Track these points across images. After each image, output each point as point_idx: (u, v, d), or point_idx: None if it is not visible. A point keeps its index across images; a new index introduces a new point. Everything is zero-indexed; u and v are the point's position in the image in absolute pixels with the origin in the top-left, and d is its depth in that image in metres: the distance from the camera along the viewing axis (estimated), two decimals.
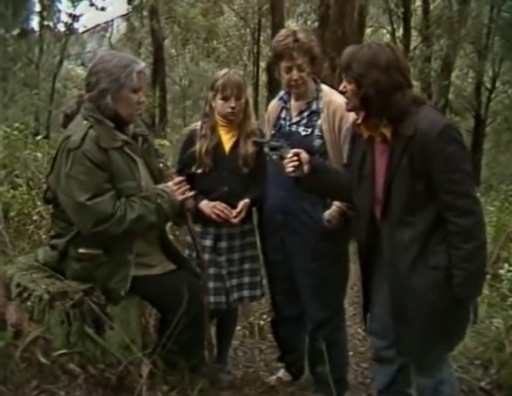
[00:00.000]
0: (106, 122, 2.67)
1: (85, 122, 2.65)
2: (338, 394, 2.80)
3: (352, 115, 2.63)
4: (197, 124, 3.31)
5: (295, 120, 3.12)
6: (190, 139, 3.26)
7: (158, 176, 2.93)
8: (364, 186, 2.53)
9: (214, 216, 3.15)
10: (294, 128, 3.11)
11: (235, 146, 3.23)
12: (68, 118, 2.81)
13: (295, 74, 3.02)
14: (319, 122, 3.05)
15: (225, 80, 3.15)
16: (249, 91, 19.34)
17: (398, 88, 2.33)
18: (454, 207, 2.26)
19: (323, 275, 3.09)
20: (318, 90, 3.12)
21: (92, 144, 2.59)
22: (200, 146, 3.17)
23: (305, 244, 3.07)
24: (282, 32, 3.08)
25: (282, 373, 3.52)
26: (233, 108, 3.16)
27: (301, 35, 2.99)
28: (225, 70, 3.27)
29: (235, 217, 3.15)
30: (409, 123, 2.32)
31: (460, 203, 2.26)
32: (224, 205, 3.15)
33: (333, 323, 3.23)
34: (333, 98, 3.04)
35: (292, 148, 2.75)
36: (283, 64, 3.03)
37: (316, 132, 3.05)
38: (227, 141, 3.24)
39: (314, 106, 3.08)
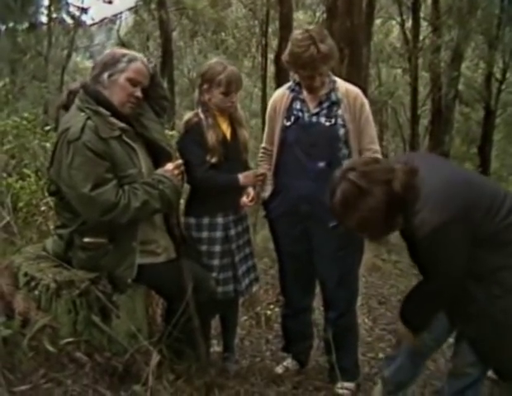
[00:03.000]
0: (101, 111, 2.68)
1: (82, 114, 2.66)
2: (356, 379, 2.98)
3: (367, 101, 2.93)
4: (195, 116, 3.20)
5: (314, 111, 3.14)
6: (197, 132, 3.16)
7: (164, 145, 2.92)
8: None
9: (259, 183, 3.25)
10: (315, 119, 3.13)
11: (234, 133, 3.24)
12: (72, 95, 2.80)
13: (317, 81, 3.07)
14: (339, 112, 3.12)
15: (229, 75, 3.12)
16: (258, 83, 19.35)
17: (388, 192, 2.24)
18: (431, 273, 2.39)
19: (348, 264, 3.19)
20: (332, 81, 3.17)
21: (92, 134, 2.60)
22: (211, 136, 3.12)
23: (332, 233, 3.07)
24: (300, 37, 3.03)
25: (289, 362, 3.53)
26: (233, 102, 3.17)
27: (321, 46, 2.98)
28: (220, 62, 3.20)
29: (251, 201, 3.20)
30: (410, 213, 2.26)
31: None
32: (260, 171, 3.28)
33: (353, 311, 3.35)
34: (349, 87, 3.17)
35: (316, 138, 2.90)
36: (305, 73, 3.07)
37: (339, 121, 3.11)
38: (226, 129, 3.23)
39: (333, 97, 3.13)
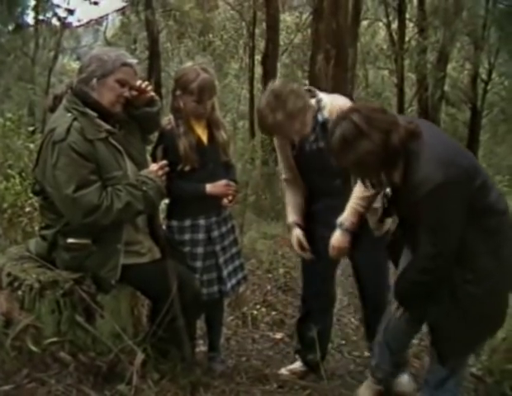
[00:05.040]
0: (88, 113, 2.68)
1: (69, 114, 2.66)
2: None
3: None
4: (168, 123, 3.18)
5: (312, 138, 3.11)
6: (170, 140, 3.13)
7: (142, 163, 2.91)
8: None
9: (229, 195, 3.19)
10: (315, 146, 3.12)
11: (211, 136, 3.22)
12: (57, 100, 2.81)
13: (295, 139, 3.09)
14: None
15: (202, 84, 3.05)
16: (245, 85, 19.37)
17: (385, 142, 2.29)
18: (426, 244, 2.34)
19: (381, 258, 3.12)
20: (318, 100, 3.11)
21: (78, 136, 2.60)
22: (183, 144, 3.10)
23: (367, 228, 3.06)
24: (261, 106, 2.97)
25: (297, 365, 3.51)
26: (206, 109, 3.13)
27: (278, 114, 2.90)
28: (194, 68, 3.11)
29: (230, 202, 3.22)
30: (409, 171, 2.31)
31: (425, 262, 2.35)
32: (231, 183, 3.22)
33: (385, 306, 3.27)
34: (334, 102, 3.09)
35: (325, 163, 2.83)
36: (279, 138, 3.15)
37: None
38: (202, 133, 3.21)
39: (320, 118, 3.08)
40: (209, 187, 3.16)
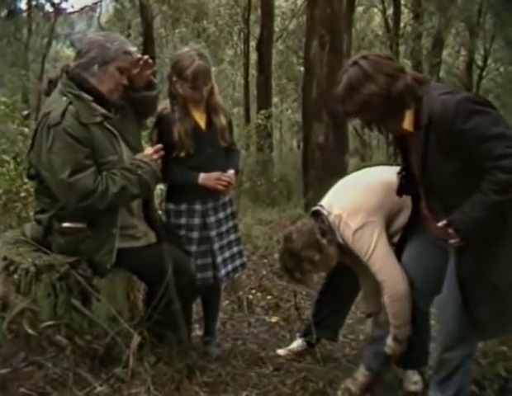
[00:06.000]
0: (84, 96, 2.67)
1: (64, 98, 2.65)
2: None
3: None
4: (165, 107, 3.17)
5: None
6: (165, 125, 3.13)
7: (137, 147, 2.90)
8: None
9: (220, 188, 3.15)
10: None
11: (209, 121, 3.20)
12: (52, 83, 2.80)
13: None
14: None
15: (195, 71, 3.03)
16: (240, 71, 19.31)
17: (390, 85, 2.31)
18: (497, 167, 2.19)
19: None
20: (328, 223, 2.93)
21: (73, 120, 2.60)
22: (178, 130, 3.09)
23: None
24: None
25: (296, 343, 3.48)
26: (203, 95, 3.12)
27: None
28: (190, 54, 3.08)
29: (231, 185, 3.20)
30: (424, 110, 2.30)
31: (502, 163, 2.18)
32: (225, 175, 3.17)
33: None
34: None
35: None
36: None
37: None
38: (200, 117, 3.19)
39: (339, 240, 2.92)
40: (201, 178, 3.14)
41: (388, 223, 2.81)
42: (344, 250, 2.86)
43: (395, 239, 2.81)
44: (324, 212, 2.86)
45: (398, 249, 2.76)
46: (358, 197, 2.81)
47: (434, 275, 2.59)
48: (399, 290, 2.67)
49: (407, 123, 2.39)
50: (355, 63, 2.38)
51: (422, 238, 2.65)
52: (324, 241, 2.84)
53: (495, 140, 2.18)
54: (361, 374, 2.92)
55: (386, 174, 2.85)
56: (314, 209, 2.97)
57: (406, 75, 2.35)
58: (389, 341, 2.79)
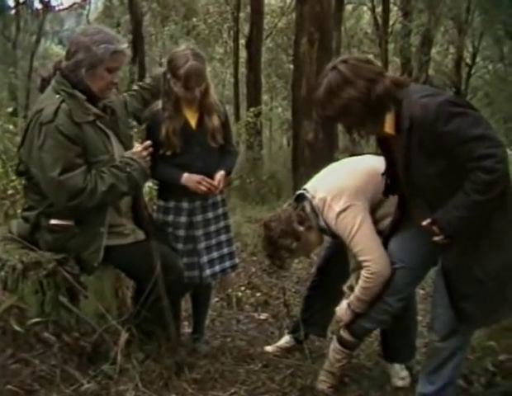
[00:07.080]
0: (77, 95, 2.65)
1: (57, 96, 2.63)
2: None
3: None
4: (159, 105, 3.18)
5: None
6: (154, 122, 3.14)
7: (129, 147, 2.88)
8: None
9: (200, 191, 3.13)
10: None
11: (201, 120, 3.18)
12: (45, 82, 2.78)
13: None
14: None
15: (188, 72, 3.01)
16: (230, 69, 19.27)
17: (370, 89, 2.32)
18: (478, 167, 2.20)
19: None
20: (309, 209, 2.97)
21: (66, 118, 2.58)
22: (166, 128, 3.09)
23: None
24: None
25: (284, 339, 3.48)
26: (195, 96, 3.10)
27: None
28: (185, 53, 3.06)
29: (216, 188, 3.16)
30: (405, 114, 2.30)
31: (483, 164, 2.19)
32: (208, 179, 3.13)
33: None
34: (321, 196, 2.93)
35: None
36: None
37: None
38: (192, 116, 3.18)
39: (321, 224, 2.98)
40: (184, 178, 3.12)
41: (372, 209, 2.82)
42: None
43: (380, 227, 2.82)
44: (309, 195, 2.90)
45: (385, 242, 2.77)
46: (342, 180, 2.84)
47: (422, 257, 2.63)
48: (380, 270, 2.67)
49: (388, 126, 2.40)
50: (334, 67, 2.39)
51: (409, 227, 2.65)
52: (301, 228, 2.89)
53: (476, 141, 2.20)
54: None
55: (373, 162, 2.88)
56: (298, 192, 3.01)
57: (386, 78, 2.35)
58: (344, 304, 2.84)
